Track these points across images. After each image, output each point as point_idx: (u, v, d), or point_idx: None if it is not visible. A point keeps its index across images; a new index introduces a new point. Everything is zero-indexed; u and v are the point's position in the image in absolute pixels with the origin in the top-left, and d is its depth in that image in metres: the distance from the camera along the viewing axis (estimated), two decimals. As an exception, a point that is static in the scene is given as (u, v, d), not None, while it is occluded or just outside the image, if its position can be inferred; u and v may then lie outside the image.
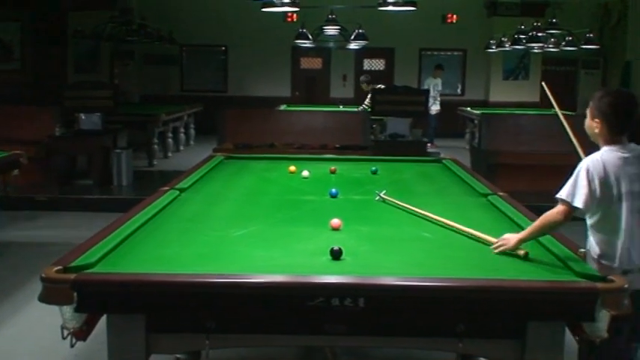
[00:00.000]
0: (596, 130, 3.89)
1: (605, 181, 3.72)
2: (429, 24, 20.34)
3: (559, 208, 3.75)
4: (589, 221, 3.89)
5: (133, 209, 4.48)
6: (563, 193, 3.75)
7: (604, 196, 3.72)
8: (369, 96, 13.48)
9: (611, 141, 3.84)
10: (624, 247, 3.77)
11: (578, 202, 3.69)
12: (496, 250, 3.82)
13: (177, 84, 22.12)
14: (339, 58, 21.66)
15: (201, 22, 21.08)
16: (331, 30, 14.82)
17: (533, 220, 4.10)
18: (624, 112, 3.83)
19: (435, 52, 21.85)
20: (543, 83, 5.78)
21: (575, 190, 3.72)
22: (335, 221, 4.24)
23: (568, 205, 3.72)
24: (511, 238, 3.81)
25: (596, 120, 3.87)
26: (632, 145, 3.87)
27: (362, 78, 15.79)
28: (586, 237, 3.95)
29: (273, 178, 6.29)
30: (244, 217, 4.61)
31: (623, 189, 3.74)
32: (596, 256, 3.83)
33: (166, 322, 3.24)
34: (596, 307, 3.05)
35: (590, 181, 3.70)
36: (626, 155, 3.80)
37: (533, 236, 3.84)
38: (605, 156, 3.80)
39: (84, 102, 11.98)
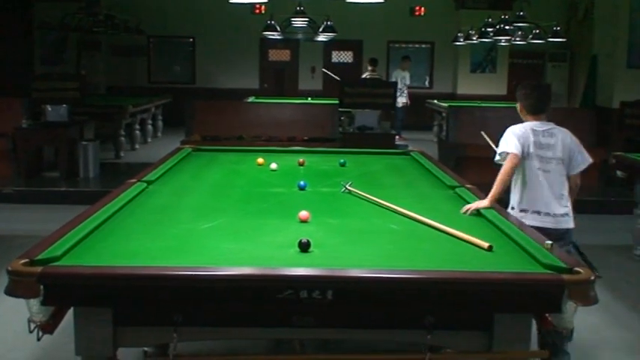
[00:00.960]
0: (519, 111, 5.30)
1: (516, 140, 5.05)
2: (397, 16, 20.41)
3: (507, 161, 5.02)
4: None
5: (100, 202, 4.44)
6: (500, 149, 5.12)
7: (516, 151, 5.01)
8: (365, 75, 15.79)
9: (529, 118, 5.22)
10: (525, 193, 5.11)
11: (513, 149, 5.01)
12: (468, 210, 4.64)
13: (145, 75, 22.00)
14: (308, 50, 21.66)
15: (169, 13, 21.00)
16: (299, 22, 14.81)
17: (498, 213, 4.44)
18: (534, 97, 5.22)
19: (403, 45, 21.90)
20: (483, 132, 6.20)
21: (507, 143, 5.07)
22: (303, 213, 4.25)
23: (509, 154, 5.02)
24: (483, 200, 4.75)
25: (518, 103, 5.30)
26: (549, 124, 5.19)
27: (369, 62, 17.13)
28: None
29: (242, 170, 6.28)
30: (212, 210, 4.60)
31: (531, 150, 5.06)
32: (511, 205, 5.19)
33: (134, 315, 3.23)
34: (562, 298, 3.07)
35: (513, 137, 5.07)
36: (537, 129, 5.13)
37: (499, 190, 4.90)
38: (523, 125, 5.18)
39: (51, 93, 11.89)
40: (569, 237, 5.11)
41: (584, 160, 5.16)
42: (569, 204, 5.12)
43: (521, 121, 5.22)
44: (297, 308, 3.12)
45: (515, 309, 3.21)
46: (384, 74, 20.63)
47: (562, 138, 5.12)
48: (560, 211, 5.05)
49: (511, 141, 5.05)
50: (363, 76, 16.53)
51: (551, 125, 5.17)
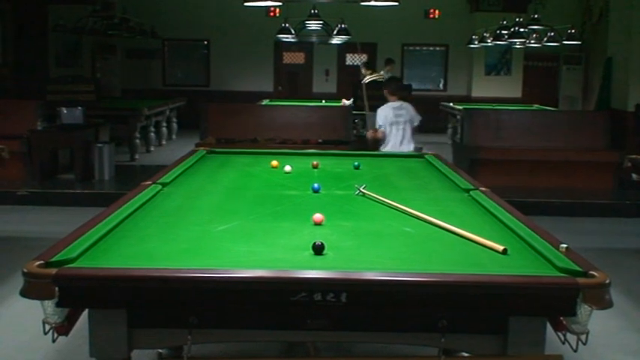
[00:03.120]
0: (387, 95, 9.27)
1: (385, 115, 9.09)
2: (411, 19, 20.42)
3: (379, 131, 9.11)
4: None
5: (115, 204, 4.45)
6: (377, 124, 9.18)
7: (385, 121, 9.06)
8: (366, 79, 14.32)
9: (391, 97, 9.24)
10: (392, 144, 9.06)
11: (381, 124, 9.07)
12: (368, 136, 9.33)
13: (160, 78, 22.08)
14: (322, 53, 21.68)
15: (184, 16, 21.06)
16: (314, 25, 14.82)
17: (514, 216, 4.37)
18: (394, 86, 9.47)
19: (418, 48, 21.90)
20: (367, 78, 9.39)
21: (378, 121, 9.12)
22: (317, 216, 4.24)
23: (380, 128, 9.12)
24: (371, 130, 9.41)
25: (385, 90, 9.33)
26: (400, 102, 9.21)
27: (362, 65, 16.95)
28: None
29: (256, 172, 6.28)
30: (227, 212, 4.60)
31: (393, 120, 9.07)
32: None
33: (148, 317, 3.24)
34: (577, 302, 3.06)
35: (380, 115, 9.12)
36: (394, 105, 9.16)
37: (379, 137, 9.18)
38: (387, 106, 9.19)
39: (66, 96, 11.95)
40: None
41: (418, 119, 9.25)
42: (413, 145, 9.11)
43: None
44: (311, 311, 3.12)
45: (530, 312, 3.19)
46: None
47: (407, 110, 9.20)
48: (410, 148, 8.93)
49: (380, 120, 9.09)
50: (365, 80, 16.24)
51: (402, 103, 9.24)
